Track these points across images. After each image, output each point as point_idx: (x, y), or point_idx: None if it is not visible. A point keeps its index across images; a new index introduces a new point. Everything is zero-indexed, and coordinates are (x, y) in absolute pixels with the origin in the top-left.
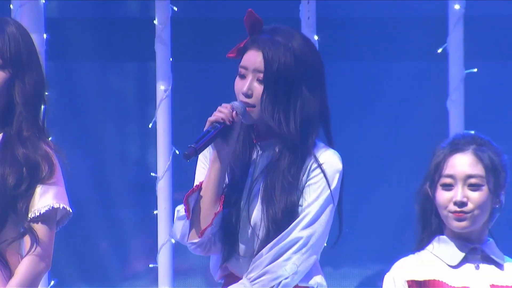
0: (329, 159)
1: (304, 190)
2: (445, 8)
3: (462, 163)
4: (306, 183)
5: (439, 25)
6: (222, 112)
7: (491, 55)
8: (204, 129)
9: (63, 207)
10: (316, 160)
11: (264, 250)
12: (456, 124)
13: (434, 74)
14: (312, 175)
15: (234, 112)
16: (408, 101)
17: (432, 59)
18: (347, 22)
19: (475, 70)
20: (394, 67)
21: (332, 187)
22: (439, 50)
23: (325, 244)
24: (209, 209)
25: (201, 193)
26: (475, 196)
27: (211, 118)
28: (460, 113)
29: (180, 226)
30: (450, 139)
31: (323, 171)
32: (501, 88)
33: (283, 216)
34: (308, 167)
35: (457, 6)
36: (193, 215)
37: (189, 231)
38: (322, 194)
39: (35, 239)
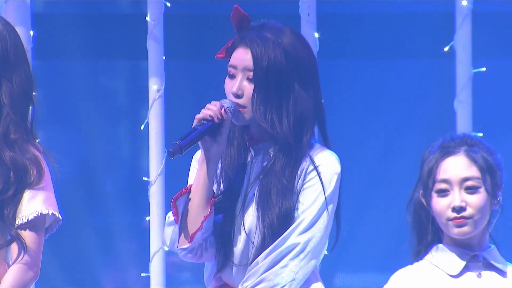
0: (326, 161)
1: (300, 194)
2: (452, 4)
3: (456, 166)
4: (302, 186)
5: (445, 21)
6: (210, 109)
7: (501, 54)
8: (192, 127)
9: (52, 213)
10: (312, 162)
11: (259, 258)
12: (463, 126)
13: (440, 73)
14: (308, 178)
15: (223, 110)
16: (413, 102)
17: (438, 58)
18: (349, 19)
19: (484, 69)
20: (398, 65)
21: (330, 190)
22: (446, 48)
23: (326, 252)
24: (198, 213)
25: (190, 196)
26: (474, 200)
27: (199, 116)
28: (468, 114)
29: (170, 231)
30: (439, 142)
31: (319, 174)
32: (511, 88)
33: (279, 221)
34: (304, 170)
35: (464, 2)
36: (182, 220)
37: (179, 237)
38: (319, 198)
39: (22, 247)
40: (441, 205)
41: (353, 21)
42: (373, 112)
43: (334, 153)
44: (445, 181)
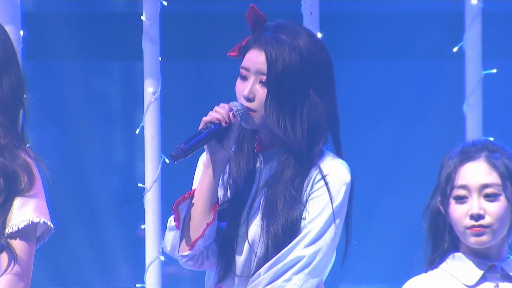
0: (335, 170)
1: (307, 204)
2: (461, 3)
3: (475, 172)
4: (309, 196)
5: (454, 21)
6: (218, 112)
7: None
8: (198, 129)
9: (44, 221)
10: (320, 171)
11: (262, 270)
12: (473, 130)
13: (449, 75)
14: (315, 187)
15: (232, 113)
16: (421, 105)
17: (447, 59)
18: (353, 18)
19: (494, 70)
20: (405, 66)
21: (338, 201)
22: (455, 49)
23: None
24: (201, 219)
25: (193, 201)
26: (493, 208)
27: (206, 118)
28: (478, 118)
29: (171, 237)
30: (459, 148)
31: (326, 184)
32: None
33: (283, 232)
34: (312, 179)
35: (474, 1)
36: (184, 226)
37: (180, 243)
38: (326, 209)
39: (13, 257)
40: (459, 212)
41: (357, 20)
42: (378, 115)
43: (344, 162)
44: (463, 187)
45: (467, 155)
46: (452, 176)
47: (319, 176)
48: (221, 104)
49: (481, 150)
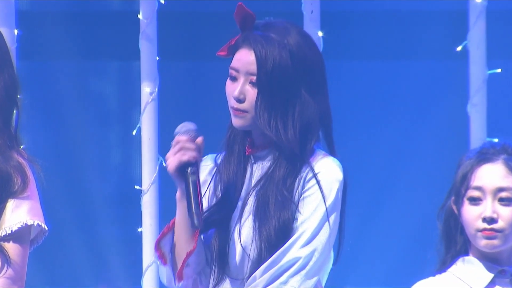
0: (326, 168)
1: (299, 204)
2: (465, 2)
3: (492, 174)
4: (301, 195)
5: (458, 20)
6: (190, 148)
7: None
8: (174, 167)
9: (38, 224)
10: (312, 169)
11: (257, 272)
12: (477, 131)
13: (452, 74)
14: (307, 186)
15: (200, 138)
16: (423, 105)
17: (450, 58)
18: (354, 16)
19: (499, 70)
20: (408, 66)
21: (331, 199)
22: (459, 48)
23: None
24: (184, 250)
25: (175, 234)
26: (507, 213)
27: (183, 158)
28: (482, 119)
29: (164, 272)
30: (478, 148)
31: (318, 182)
32: None
33: (276, 234)
34: (303, 178)
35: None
36: (172, 258)
37: (173, 275)
38: (319, 207)
39: (6, 260)
40: (471, 214)
41: (359, 19)
42: (380, 116)
43: (336, 160)
44: (478, 188)
45: (485, 156)
46: (468, 176)
47: (310, 175)
48: (181, 138)
49: (500, 153)
